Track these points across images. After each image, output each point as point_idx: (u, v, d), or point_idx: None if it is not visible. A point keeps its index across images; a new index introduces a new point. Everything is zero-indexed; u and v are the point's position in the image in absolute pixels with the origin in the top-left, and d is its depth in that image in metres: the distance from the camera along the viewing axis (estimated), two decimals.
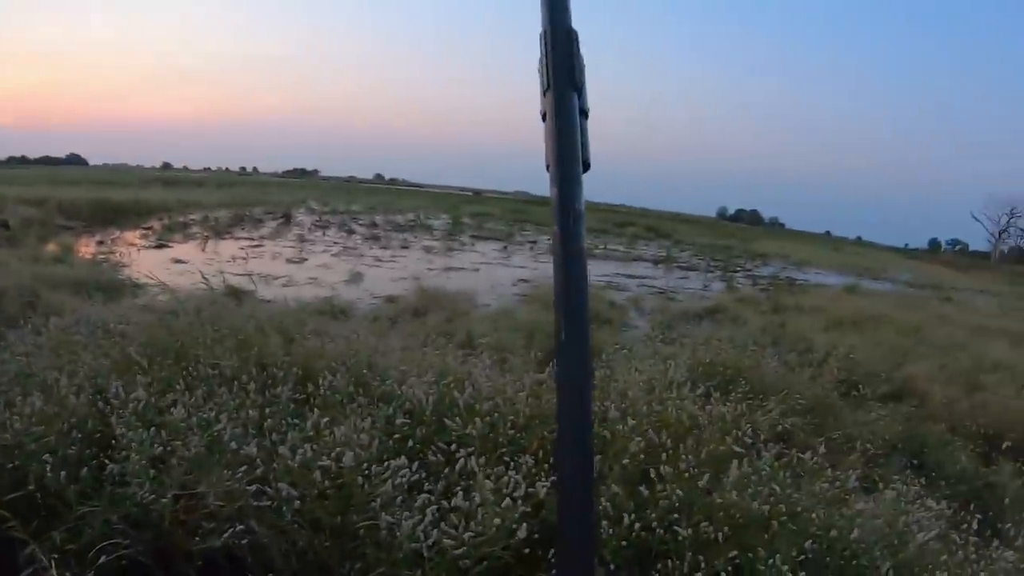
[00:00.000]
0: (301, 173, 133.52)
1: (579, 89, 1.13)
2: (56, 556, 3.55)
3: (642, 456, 4.88)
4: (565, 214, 1.12)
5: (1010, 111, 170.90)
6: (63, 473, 4.05)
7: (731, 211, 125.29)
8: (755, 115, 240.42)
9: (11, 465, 4.24)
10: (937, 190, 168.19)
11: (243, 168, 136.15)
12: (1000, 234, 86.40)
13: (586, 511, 1.04)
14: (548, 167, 1.13)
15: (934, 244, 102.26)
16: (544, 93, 1.13)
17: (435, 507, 3.85)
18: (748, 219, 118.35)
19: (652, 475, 4.65)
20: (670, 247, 38.94)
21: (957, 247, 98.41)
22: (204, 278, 10.05)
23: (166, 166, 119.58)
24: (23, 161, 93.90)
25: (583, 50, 1.15)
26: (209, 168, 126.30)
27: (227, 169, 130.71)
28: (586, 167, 1.15)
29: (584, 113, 1.15)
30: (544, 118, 1.13)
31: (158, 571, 3.84)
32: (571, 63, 1.12)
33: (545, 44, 1.13)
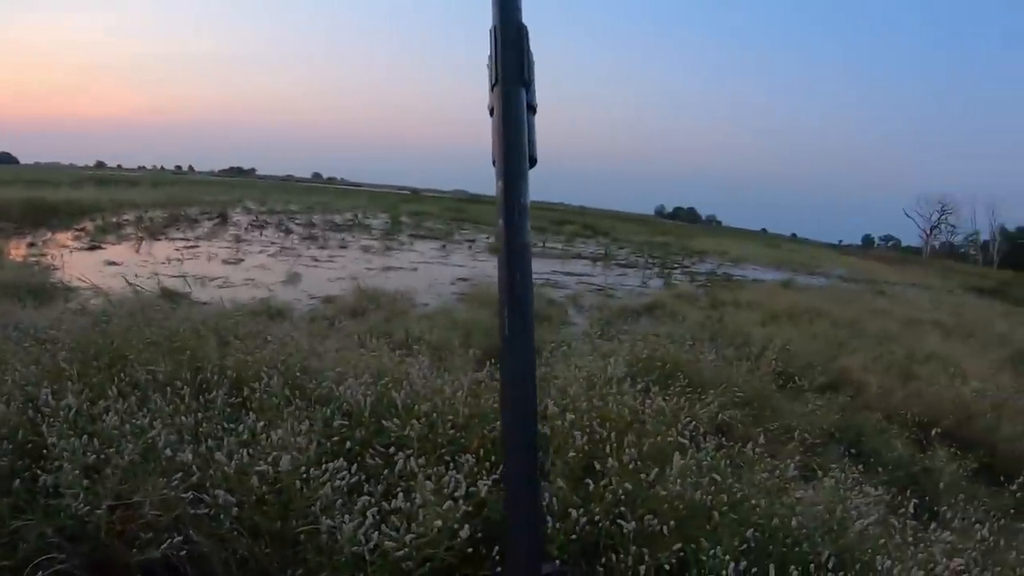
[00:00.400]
0: (238, 172, 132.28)
1: (527, 85, 1.13)
2: None
3: (585, 450, 4.90)
4: (510, 209, 1.10)
5: (941, 111, 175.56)
6: None
7: (669, 209, 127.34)
8: (692, 114, 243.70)
9: None
10: (870, 188, 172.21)
11: (178, 167, 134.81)
12: (931, 230, 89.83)
13: (532, 508, 1.03)
14: (494, 162, 1.13)
15: (867, 240, 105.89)
16: (492, 88, 1.13)
17: (375, 509, 3.79)
18: (685, 217, 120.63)
19: (596, 470, 4.67)
20: (608, 245, 39.29)
21: (890, 243, 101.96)
22: (128, 282, 9.85)
23: (100, 165, 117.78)
24: None
25: (532, 46, 1.15)
26: (144, 167, 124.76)
27: (162, 168, 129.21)
28: (533, 162, 1.14)
29: (532, 109, 1.15)
30: (492, 113, 1.13)
31: None
32: (520, 58, 1.12)
33: (495, 39, 1.12)
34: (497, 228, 1.11)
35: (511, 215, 1.10)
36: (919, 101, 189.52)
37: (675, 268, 30.68)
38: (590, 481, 4.52)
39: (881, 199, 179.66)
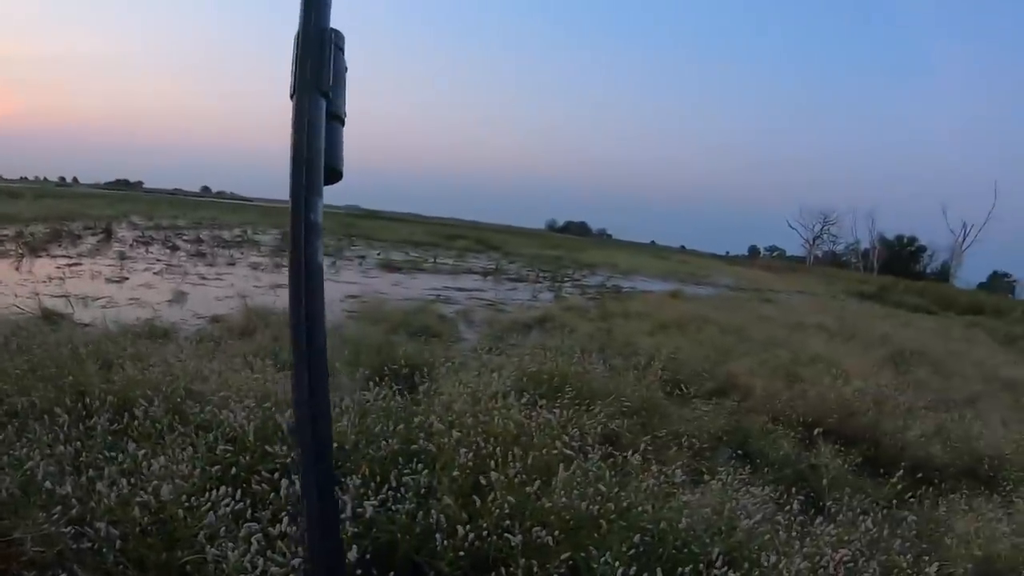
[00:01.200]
0: (124, 184, 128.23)
1: (328, 93, 1.09)
2: None
3: (471, 466, 4.96)
4: (299, 226, 1.08)
5: (824, 126, 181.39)
6: None
7: (560, 223, 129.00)
8: (582, 129, 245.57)
9: None
10: (756, 200, 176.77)
11: (62, 178, 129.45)
12: (814, 240, 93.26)
13: (332, 534, 1.05)
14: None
15: (753, 251, 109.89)
16: (291, 97, 1.09)
17: (261, 535, 3.76)
18: (576, 231, 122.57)
19: (483, 485, 4.73)
20: (500, 259, 39.38)
21: (775, 253, 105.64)
22: None
23: None
24: None
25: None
26: (26, 177, 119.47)
27: (45, 179, 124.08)
28: (337, 176, 1.12)
29: (339, 119, 1.12)
30: None
31: None
32: (320, 66, 1.08)
33: (296, 46, 1.08)
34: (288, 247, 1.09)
35: (299, 233, 1.07)
36: (804, 117, 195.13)
37: (566, 281, 30.90)
38: (477, 497, 4.58)
39: (766, 211, 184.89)
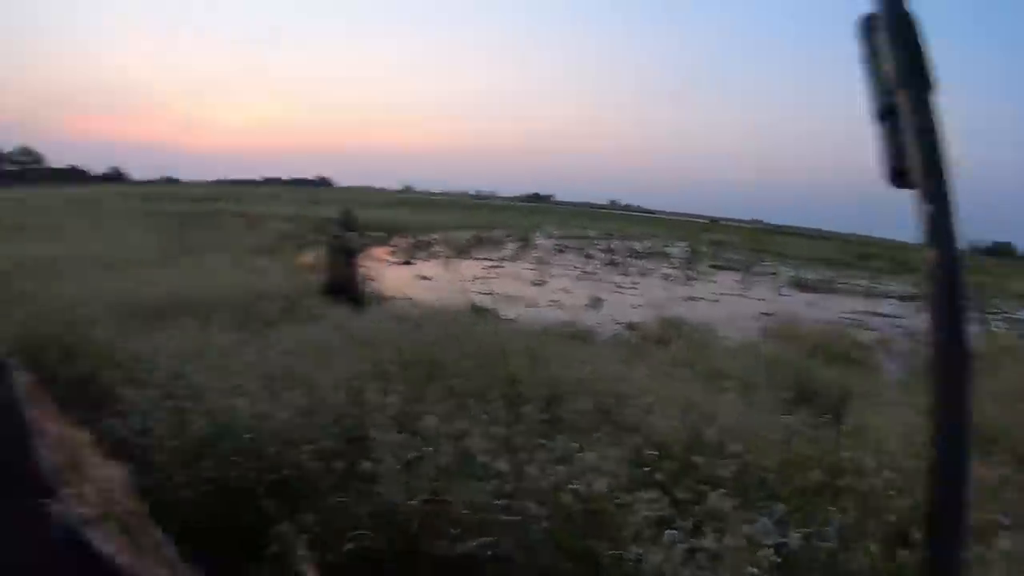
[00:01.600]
0: (536, 198, 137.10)
1: (933, 86, 1.00)
2: (305, 536, 3.87)
3: (907, 514, 4.49)
4: (940, 233, 0.98)
5: None
6: (318, 463, 4.49)
7: (985, 244, 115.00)
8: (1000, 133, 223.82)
9: (273, 450, 4.67)
10: None
11: (479, 192, 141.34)
12: None
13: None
14: (890, 177, 1.00)
15: None
16: (885, 91, 1.00)
17: (685, 545, 3.71)
18: (1001, 252, 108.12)
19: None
20: (920, 283, 36.24)
21: None
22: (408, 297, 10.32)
23: (407, 188, 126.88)
24: (277, 182, 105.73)
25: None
26: (447, 192, 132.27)
27: (464, 192, 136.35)
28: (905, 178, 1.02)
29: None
30: (880, 119, 1.00)
31: (394, 565, 4.00)
32: (920, 54, 0.99)
33: (889, 33, 1.00)
34: (927, 258, 0.98)
35: (941, 241, 0.97)
36: None
37: (995, 313, 26.87)
38: (907, 549, 4.16)
39: None
